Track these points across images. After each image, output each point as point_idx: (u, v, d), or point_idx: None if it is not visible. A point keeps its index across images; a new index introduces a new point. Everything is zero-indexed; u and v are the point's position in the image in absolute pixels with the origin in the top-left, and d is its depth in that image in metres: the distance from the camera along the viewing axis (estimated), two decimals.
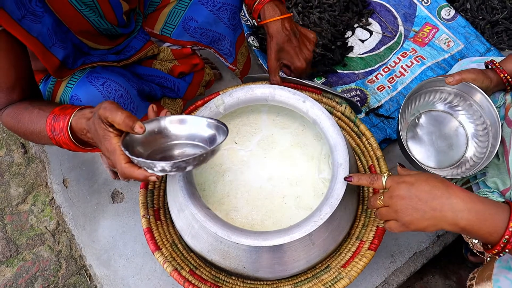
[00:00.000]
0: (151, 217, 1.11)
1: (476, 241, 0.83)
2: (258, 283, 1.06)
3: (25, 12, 0.87)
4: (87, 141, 0.94)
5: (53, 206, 1.61)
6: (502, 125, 1.12)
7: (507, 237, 0.74)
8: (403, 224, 0.82)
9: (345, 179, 0.96)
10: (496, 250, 0.76)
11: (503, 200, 0.98)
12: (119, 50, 1.20)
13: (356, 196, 1.12)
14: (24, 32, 0.88)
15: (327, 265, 1.07)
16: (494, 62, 1.11)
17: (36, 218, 1.61)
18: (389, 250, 1.36)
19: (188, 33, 1.30)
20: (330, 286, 1.02)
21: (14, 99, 1.02)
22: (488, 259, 0.93)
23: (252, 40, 1.75)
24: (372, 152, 1.18)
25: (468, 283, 0.89)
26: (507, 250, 0.75)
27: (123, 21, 1.12)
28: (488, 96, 1.12)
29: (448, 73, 1.19)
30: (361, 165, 1.20)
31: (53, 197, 1.58)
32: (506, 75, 1.08)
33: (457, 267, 1.50)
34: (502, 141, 1.10)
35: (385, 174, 0.87)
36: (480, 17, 1.77)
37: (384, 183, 0.86)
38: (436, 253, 1.39)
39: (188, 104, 1.45)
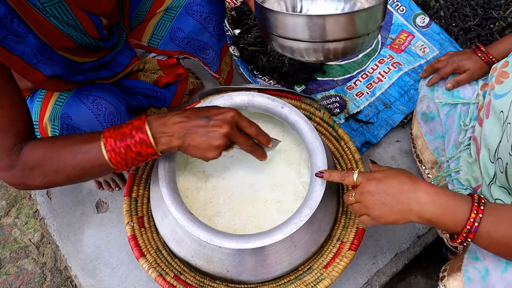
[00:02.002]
0: (135, 224, 1.12)
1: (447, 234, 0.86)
2: (242, 286, 1.08)
3: (7, 33, 0.87)
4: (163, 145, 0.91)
5: (37, 218, 1.61)
6: (474, 127, 1.16)
7: (469, 227, 0.78)
8: (373, 218, 0.86)
9: (316, 175, 0.99)
10: (460, 240, 0.80)
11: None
12: (106, 61, 1.22)
13: (336, 198, 1.15)
14: (5, 51, 0.88)
15: (309, 266, 1.09)
16: (480, 48, 1.19)
17: (19, 231, 1.60)
18: (371, 251, 1.39)
19: (174, 43, 1.33)
20: (312, 287, 1.04)
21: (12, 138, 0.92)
22: (461, 253, 0.97)
23: (233, 50, 1.78)
24: (350, 156, 1.21)
25: (440, 275, 0.92)
26: (469, 240, 0.79)
27: (104, 35, 1.14)
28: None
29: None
30: (340, 168, 1.23)
31: (37, 209, 1.58)
32: (491, 57, 1.18)
33: (438, 267, 1.52)
34: (474, 140, 1.14)
35: (356, 171, 0.91)
36: (454, 24, 1.82)
37: (355, 179, 0.90)
38: (417, 253, 1.42)
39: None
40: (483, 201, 0.80)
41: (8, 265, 1.55)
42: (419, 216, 0.81)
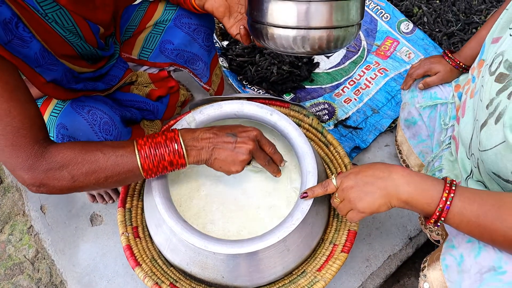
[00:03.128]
0: (130, 234, 1.14)
1: (431, 231, 0.89)
2: None
3: (12, 37, 0.88)
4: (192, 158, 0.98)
5: (31, 234, 1.61)
6: (454, 126, 1.21)
7: (441, 206, 0.82)
8: (359, 211, 0.89)
9: (301, 197, 1.02)
10: (433, 220, 0.83)
11: None
12: (102, 73, 1.24)
13: (327, 202, 1.16)
14: (9, 53, 0.88)
15: (303, 270, 1.10)
16: (448, 54, 1.28)
17: (14, 248, 1.60)
18: (364, 254, 1.41)
19: (164, 55, 1.35)
20: None
21: (36, 132, 0.92)
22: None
23: (221, 61, 1.80)
24: (340, 160, 1.23)
25: (422, 265, 0.95)
26: (442, 219, 0.82)
27: (101, 44, 1.16)
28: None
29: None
30: (330, 173, 1.25)
31: (31, 225, 1.59)
32: (458, 62, 1.26)
33: None
34: (454, 138, 1.18)
35: (333, 176, 0.95)
36: (437, 30, 1.87)
37: (335, 183, 0.94)
38: (410, 255, 1.44)
39: (163, 124, 1.49)
40: (455, 182, 0.84)
41: (3, 282, 1.55)
42: (397, 198, 0.85)
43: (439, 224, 0.83)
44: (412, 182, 0.84)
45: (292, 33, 0.96)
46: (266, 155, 1.05)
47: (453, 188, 0.82)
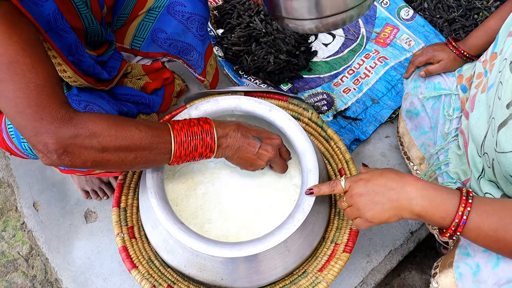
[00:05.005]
0: (125, 235, 1.10)
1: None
2: None
3: None
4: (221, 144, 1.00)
5: (24, 231, 1.57)
6: (460, 117, 1.17)
7: (457, 220, 0.78)
8: (366, 220, 0.86)
9: (306, 193, 0.99)
10: (449, 234, 0.80)
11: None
12: (104, 60, 1.20)
13: (328, 200, 1.13)
14: (25, 11, 0.82)
15: (304, 270, 1.08)
16: (452, 42, 1.25)
17: (7, 244, 1.57)
18: (365, 250, 1.38)
19: (157, 44, 1.31)
20: None
21: (61, 94, 0.86)
22: (451, 248, 0.97)
23: (216, 50, 1.75)
24: (341, 156, 1.20)
25: (432, 271, 0.92)
26: (458, 233, 0.79)
27: (104, 24, 1.13)
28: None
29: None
30: (331, 169, 1.21)
31: (24, 221, 1.55)
32: (462, 51, 1.23)
33: (432, 261, 1.52)
34: (462, 133, 1.14)
35: (343, 177, 0.91)
36: (438, 16, 1.82)
37: (343, 186, 0.90)
38: (411, 249, 1.42)
39: (159, 117, 1.45)
40: (471, 194, 0.80)
41: None
42: (409, 211, 0.82)
43: (454, 238, 0.80)
44: (427, 196, 0.81)
45: (308, 23, 1.01)
46: (283, 163, 1.10)
47: (470, 201, 0.78)
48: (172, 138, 0.93)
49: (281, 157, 1.09)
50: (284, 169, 1.11)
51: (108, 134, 0.85)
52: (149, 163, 0.95)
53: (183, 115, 1.08)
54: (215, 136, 0.98)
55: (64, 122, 0.81)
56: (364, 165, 0.95)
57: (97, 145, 0.84)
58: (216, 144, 0.98)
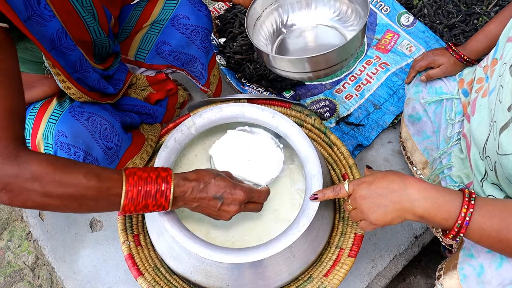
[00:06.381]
0: (131, 243, 1.11)
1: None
2: None
3: (32, 13, 0.84)
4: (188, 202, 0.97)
5: (30, 240, 1.58)
6: (462, 121, 1.18)
7: (460, 222, 0.78)
8: (371, 222, 0.86)
9: (310, 199, 1.00)
10: (452, 235, 0.80)
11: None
12: (110, 75, 1.21)
13: (332, 205, 1.14)
14: (27, 31, 0.84)
15: (309, 275, 1.08)
16: (452, 47, 1.26)
17: (13, 254, 1.58)
18: (369, 255, 1.38)
19: (161, 57, 1.32)
20: None
21: (17, 129, 0.82)
22: (455, 250, 0.97)
23: (219, 59, 1.77)
24: (344, 161, 1.21)
25: (437, 274, 0.93)
26: (461, 234, 0.79)
27: (112, 35, 1.15)
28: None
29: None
30: (334, 174, 1.22)
31: (30, 231, 1.56)
32: (462, 55, 1.24)
33: (437, 265, 1.50)
34: (464, 136, 1.15)
35: (346, 181, 0.91)
36: (438, 22, 1.83)
37: (347, 189, 0.91)
38: (416, 253, 1.42)
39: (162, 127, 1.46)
40: (473, 195, 0.80)
41: None
42: (411, 213, 0.82)
43: (457, 239, 0.81)
44: (429, 198, 0.81)
45: (297, 75, 1.19)
46: (255, 207, 1.06)
47: (472, 202, 0.79)
48: (123, 193, 0.87)
49: (254, 202, 1.05)
50: (257, 210, 1.07)
51: (52, 179, 0.80)
52: (95, 211, 0.91)
53: (187, 123, 1.09)
54: (171, 197, 0.92)
55: (9, 159, 0.78)
56: (368, 167, 0.96)
57: (39, 189, 0.80)
58: (170, 204, 0.92)
